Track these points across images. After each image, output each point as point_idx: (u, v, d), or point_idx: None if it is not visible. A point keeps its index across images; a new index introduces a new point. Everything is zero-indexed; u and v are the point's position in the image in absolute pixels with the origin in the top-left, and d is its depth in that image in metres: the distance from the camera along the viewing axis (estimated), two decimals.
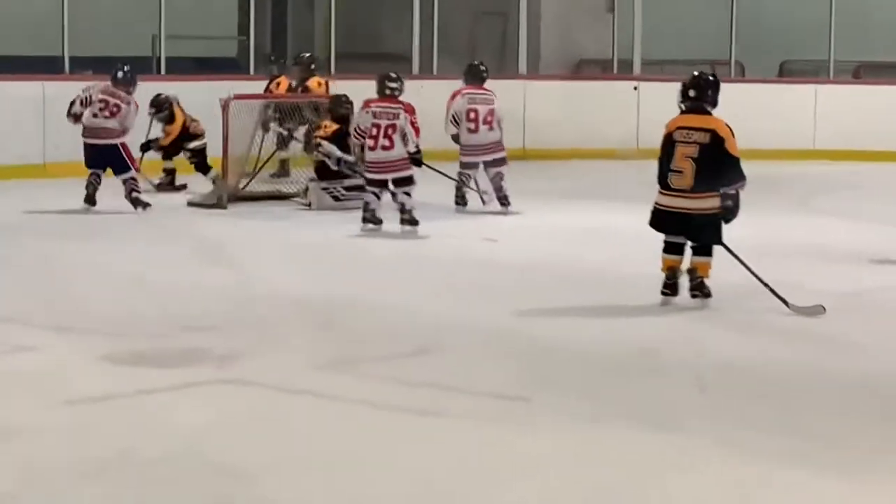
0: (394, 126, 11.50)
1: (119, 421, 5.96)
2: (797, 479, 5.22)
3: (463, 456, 5.51)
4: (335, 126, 12.93)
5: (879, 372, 7.00)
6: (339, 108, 13.09)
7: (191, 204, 12.89)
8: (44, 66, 15.67)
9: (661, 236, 8.58)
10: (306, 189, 13.00)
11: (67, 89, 14.84)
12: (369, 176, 11.59)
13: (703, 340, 7.67)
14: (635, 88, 18.76)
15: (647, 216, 8.62)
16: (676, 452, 5.55)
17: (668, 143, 8.50)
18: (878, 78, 20.44)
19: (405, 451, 5.56)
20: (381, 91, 11.81)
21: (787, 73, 20.61)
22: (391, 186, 11.49)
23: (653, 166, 8.76)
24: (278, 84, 15.39)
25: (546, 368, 6.95)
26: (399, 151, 11.48)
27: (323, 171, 12.88)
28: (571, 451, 5.56)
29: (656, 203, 8.59)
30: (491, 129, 12.89)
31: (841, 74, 19.78)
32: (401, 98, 11.84)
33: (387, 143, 11.47)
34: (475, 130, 12.86)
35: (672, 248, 8.59)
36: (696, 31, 20.16)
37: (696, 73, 8.85)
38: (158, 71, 16.61)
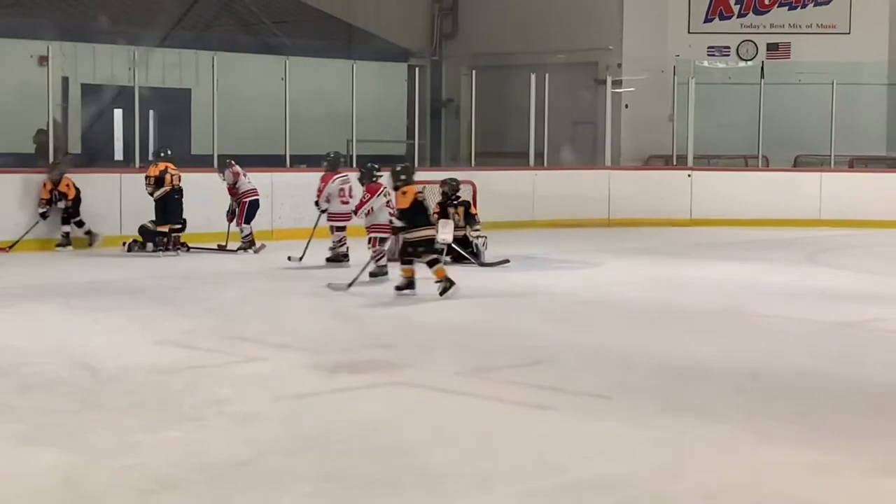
0: None
1: (321, 410, 5.98)
2: (806, 459, 5.07)
3: (562, 437, 5.45)
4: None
5: (874, 376, 6.80)
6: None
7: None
8: (272, 163, 15.94)
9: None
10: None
11: (288, 178, 15.13)
12: None
13: (743, 355, 7.51)
14: (689, 175, 18.56)
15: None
16: (722, 439, 5.44)
17: None
18: (867, 168, 20.05)
19: (522, 432, 5.52)
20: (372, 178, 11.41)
21: (799, 164, 20.23)
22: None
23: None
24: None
25: (625, 375, 6.86)
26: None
27: None
28: (639, 436, 5.46)
29: None
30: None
31: (839, 165, 19.39)
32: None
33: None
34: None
35: None
36: (733, 134, 19.93)
37: None
38: (352, 165, 16.75)
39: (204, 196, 13.97)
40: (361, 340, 7.95)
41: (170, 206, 13.42)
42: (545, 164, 18.57)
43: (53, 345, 7.67)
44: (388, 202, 11.30)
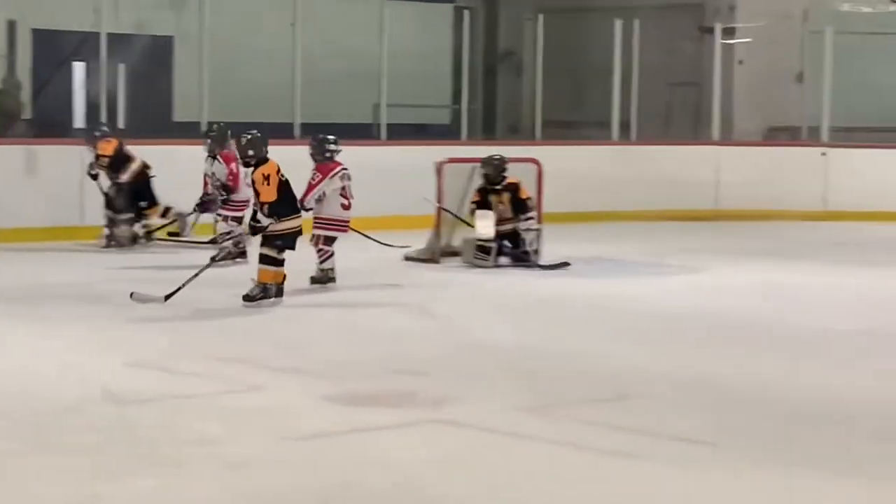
0: None
1: (337, 456, 6.01)
2: None
3: (651, 493, 5.46)
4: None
5: None
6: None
7: (407, 258, 13.01)
8: (277, 132, 15.99)
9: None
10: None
11: (298, 154, 15.18)
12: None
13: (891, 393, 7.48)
14: (823, 154, 18.46)
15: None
16: (851, 500, 5.41)
17: None
18: None
19: (600, 487, 5.52)
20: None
21: None
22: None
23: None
24: None
25: (731, 415, 6.84)
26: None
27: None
28: (747, 494, 5.45)
29: None
30: None
31: None
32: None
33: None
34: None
35: None
36: (883, 100, 19.77)
37: None
38: (378, 137, 16.85)
39: (190, 175, 14.06)
40: (390, 364, 7.99)
41: (144, 190, 13.64)
42: (633, 138, 18.55)
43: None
44: (343, 188, 11.28)
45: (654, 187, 17.90)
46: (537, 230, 12.75)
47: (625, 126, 18.51)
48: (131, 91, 15.89)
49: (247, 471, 5.68)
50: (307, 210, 11.09)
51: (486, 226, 12.56)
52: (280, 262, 10.18)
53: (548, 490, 5.50)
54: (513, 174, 12.89)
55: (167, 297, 9.76)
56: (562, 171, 15.13)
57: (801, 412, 6.92)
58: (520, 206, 12.70)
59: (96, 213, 13.79)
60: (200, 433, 6.28)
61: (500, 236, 12.61)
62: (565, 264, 12.48)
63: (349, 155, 16.23)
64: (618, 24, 18.47)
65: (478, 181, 12.92)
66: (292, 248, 10.33)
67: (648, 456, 6.02)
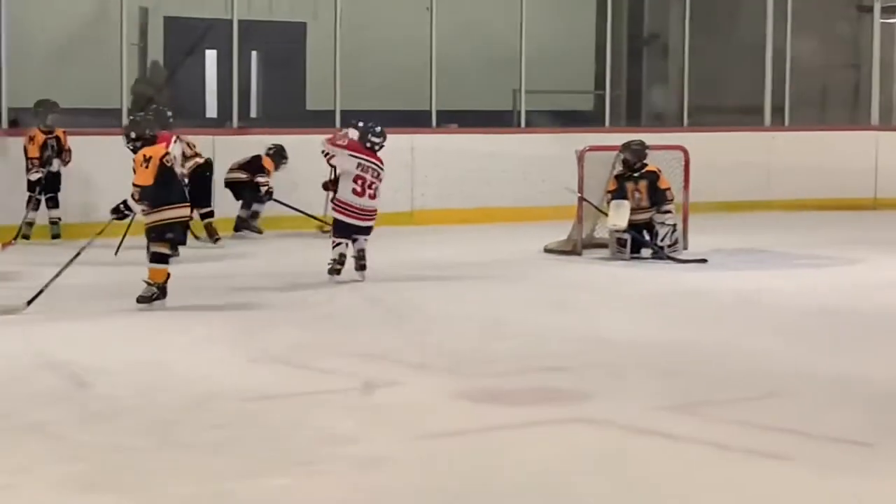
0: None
1: (470, 455, 6.01)
2: None
3: (806, 497, 5.38)
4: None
5: None
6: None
7: (547, 250, 12.97)
8: (413, 120, 16.08)
9: None
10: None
11: (434, 142, 15.25)
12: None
13: None
14: None
15: None
16: None
17: None
18: None
19: (750, 490, 5.45)
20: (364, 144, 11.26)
21: None
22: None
23: None
24: None
25: (891, 415, 6.72)
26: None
27: None
28: None
29: None
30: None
31: None
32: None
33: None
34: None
35: None
36: None
37: None
38: (518, 124, 16.84)
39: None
40: (526, 361, 7.99)
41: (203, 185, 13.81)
42: (786, 123, 18.31)
43: (119, 361, 7.92)
44: (359, 177, 11.03)
45: (809, 176, 17.62)
46: (673, 225, 12.60)
47: (777, 111, 18.26)
48: (263, 79, 16.05)
49: (379, 470, 5.71)
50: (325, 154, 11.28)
51: (617, 216, 12.47)
52: (168, 260, 9.78)
53: (691, 492, 5.46)
54: (657, 162, 12.78)
55: (29, 303, 9.42)
56: (710, 158, 14.98)
57: None
58: (657, 197, 12.58)
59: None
60: (331, 431, 6.32)
61: (635, 226, 12.49)
62: (703, 260, 12.31)
63: (488, 143, 16.36)
64: (770, 4, 18.22)
65: (619, 169, 12.83)
66: (183, 242, 10.23)
67: (799, 456, 5.94)
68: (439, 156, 15.42)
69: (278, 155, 14.40)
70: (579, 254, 12.80)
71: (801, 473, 5.72)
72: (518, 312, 9.79)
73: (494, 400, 6.99)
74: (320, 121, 15.39)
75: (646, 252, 12.51)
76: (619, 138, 13.60)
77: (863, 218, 17.02)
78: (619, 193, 12.60)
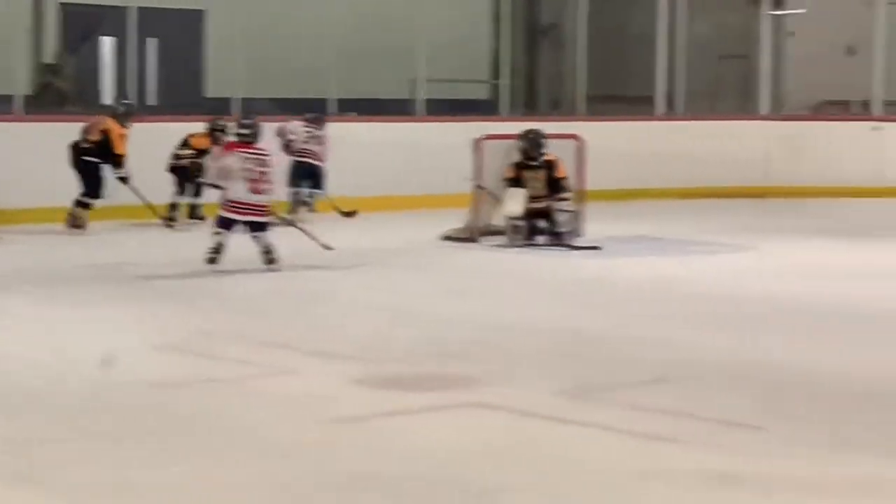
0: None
1: (372, 441, 6.03)
2: None
3: (698, 482, 5.45)
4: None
5: None
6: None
7: (445, 238, 13.03)
8: (313, 108, 16.03)
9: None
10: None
11: (333, 131, 15.22)
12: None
13: None
14: (875, 129, 18.36)
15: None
16: None
17: None
18: None
19: (644, 476, 5.49)
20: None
21: None
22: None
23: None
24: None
25: (781, 399, 6.84)
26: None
27: None
28: (804, 481, 5.46)
29: None
30: None
31: None
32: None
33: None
34: None
35: None
36: None
37: None
38: (415, 113, 16.86)
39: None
40: (426, 347, 8.03)
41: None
42: (679, 112, 18.48)
43: (21, 350, 7.87)
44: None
45: (702, 164, 17.82)
46: (572, 212, 12.73)
47: (671, 100, 18.45)
48: (160, 67, 15.92)
49: (281, 456, 5.72)
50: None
51: (512, 203, 12.56)
52: None
53: (585, 474, 5.51)
54: (554, 150, 12.88)
55: None
56: (605, 147, 15.09)
57: (854, 395, 6.90)
58: (555, 185, 12.70)
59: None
60: (233, 418, 6.33)
61: (533, 214, 12.60)
62: (596, 248, 12.41)
63: (387, 131, 16.38)
64: None
65: (516, 157, 12.91)
66: None
67: (691, 439, 6.02)
68: (338, 144, 15.41)
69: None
70: (476, 241, 12.88)
71: (690, 455, 5.79)
72: (418, 299, 9.84)
73: (395, 386, 7.02)
74: (219, 108, 15.30)
75: (541, 239, 12.61)
76: (516, 127, 13.68)
77: (754, 205, 17.26)
78: (516, 182, 12.70)
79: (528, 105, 21.18)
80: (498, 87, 18.40)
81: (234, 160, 10.92)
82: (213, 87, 17.81)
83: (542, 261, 11.90)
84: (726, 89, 20.60)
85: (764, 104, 19.08)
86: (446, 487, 5.32)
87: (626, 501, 5.19)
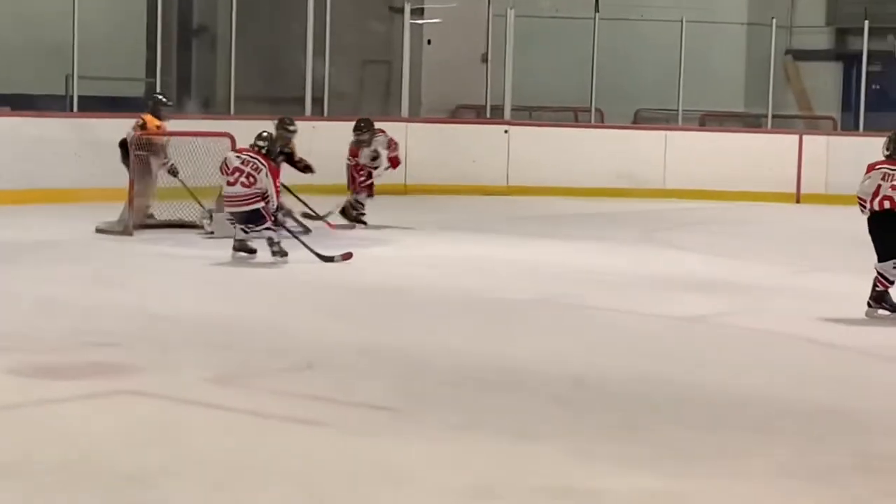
0: None
1: (20, 428, 5.88)
2: (641, 485, 5.27)
3: (337, 463, 5.49)
4: None
5: (716, 382, 7.09)
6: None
7: (99, 230, 12.74)
8: None
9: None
10: (210, 217, 12.84)
11: None
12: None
13: (566, 357, 7.73)
14: (506, 132, 18.92)
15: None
16: (531, 461, 5.59)
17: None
18: (721, 126, 20.86)
19: (285, 457, 5.52)
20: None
21: (640, 119, 20.90)
22: None
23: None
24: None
25: (416, 382, 6.96)
26: None
27: None
28: (430, 458, 5.56)
29: None
30: None
31: (688, 122, 20.12)
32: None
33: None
34: None
35: None
36: (560, 81, 20.39)
37: None
38: (71, 109, 16.44)
39: None
40: (78, 337, 7.84)
41: None
42: (325, 113, 18.58)
43: None
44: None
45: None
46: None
47: (317, 102, 18.52)
48: None
49: None
50: None
51: None
52: None
53: (234, 458, 5.49)
54: (204, 148, 12.82)
55: None
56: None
57: (488, 378, 7.08)
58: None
59: None
60: None
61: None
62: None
63: (41, 126, 15.92)
64: (311, 2, 18.45)
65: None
66: None
67: (334, 422, 6.08)
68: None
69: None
70: (131, 234, 12.64)
71: (332, 437, 5.86)
72: (70, 290, 9.57)
73: (46, 375, 6.83)
74: None
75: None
76: (170, 125, 13.47)
77: (393, 203, 17.38)
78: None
79: (181, 104, 20.89)
80: (152, 86, 18.05)
81: None
82: None
83: (196, 253, 11.72)
84: (369, 93, 20.82)
85: (404, 107, 19.36)
86: (95, 473, 5.21)
87: (264, 483, 5.18)
